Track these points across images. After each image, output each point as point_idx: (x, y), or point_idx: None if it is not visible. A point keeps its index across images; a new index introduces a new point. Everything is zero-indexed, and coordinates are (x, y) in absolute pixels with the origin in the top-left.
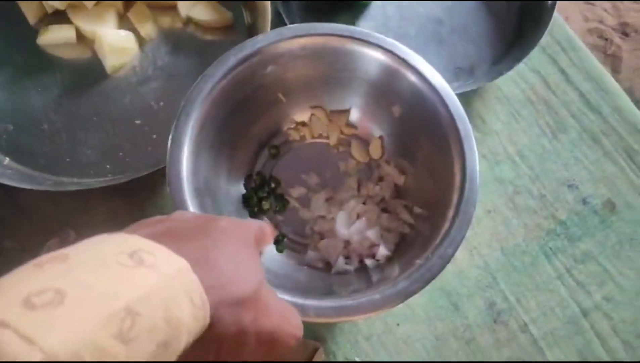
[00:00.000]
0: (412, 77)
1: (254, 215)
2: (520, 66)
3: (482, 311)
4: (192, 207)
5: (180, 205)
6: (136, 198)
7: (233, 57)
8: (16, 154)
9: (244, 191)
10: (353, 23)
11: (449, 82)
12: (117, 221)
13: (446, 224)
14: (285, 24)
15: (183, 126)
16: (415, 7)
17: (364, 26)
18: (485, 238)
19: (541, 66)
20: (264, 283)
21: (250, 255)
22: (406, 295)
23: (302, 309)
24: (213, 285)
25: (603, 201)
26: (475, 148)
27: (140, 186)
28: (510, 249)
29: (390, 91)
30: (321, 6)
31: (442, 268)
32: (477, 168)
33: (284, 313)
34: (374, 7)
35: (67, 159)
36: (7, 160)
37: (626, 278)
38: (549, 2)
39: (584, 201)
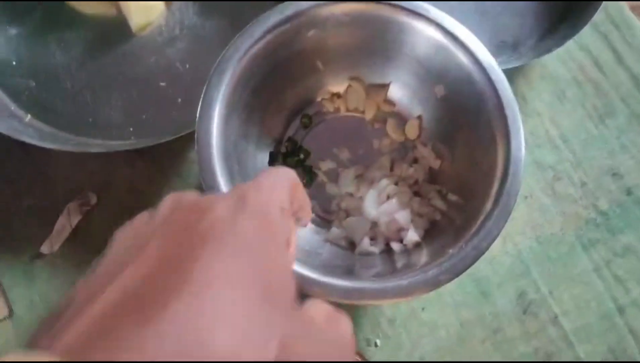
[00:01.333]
0: (463, 57)
1: None
2: (569, 43)
3: (512, 301)
4: (219, 172)
5: (207, 170)
6: (159, 164)
7: (274, 16)
8: (38, 112)
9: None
10: None
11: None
12: (137, 187)
13: (482, 215)
14: None
15: (216, 85)
16: None
17: None
18: (520, 225)
19: (591, 43)
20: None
21: (277, 292)
22: (435, 284)
23: (327, 289)
24: None
25: None
26: (522, 138)
27: (163, 151)
28: (546, 238)
29: (436, 69)
30: None
31: (475, 259)
32: (522, 159)
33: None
34: None
35: (90, 120)
36: (28, 117)
37: None
38: None
39: (629, 192)
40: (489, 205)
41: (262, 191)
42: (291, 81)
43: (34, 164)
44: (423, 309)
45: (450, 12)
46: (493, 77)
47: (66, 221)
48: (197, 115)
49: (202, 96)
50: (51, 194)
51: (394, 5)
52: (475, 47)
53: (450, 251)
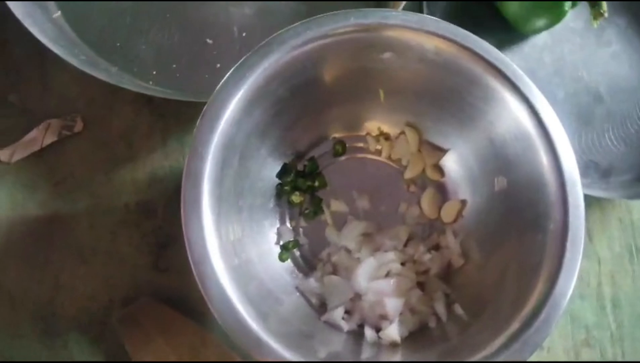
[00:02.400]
0: (543, 157)
1: (278, 202)
2: None
3: None
4: (210, 157)
5: (200, 144)
6: (163, 121)
7: (354, 18)
8: (69, 14)
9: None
10: (502, 46)
11: None
12: (131, 135)
13: (488, 350)
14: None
15: (252, 64)
16: (576, 66)
17: (511, 59)
18: None
19: None
20: None
21: None
22: None
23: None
24: None
25: None
26: (573, 284)
27: (175, 110)
28: None
29: (506, 157)
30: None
31: None
32: (562, 308)
33: None
34: (531, 44)
35: (118, 44)
36: (58, 14)
37: None
38: None
39: None
40: (500, 340)
41: None
42: (342, 98)
43: (36, 63)
44: None
45: (552, 105)
46: (570, 198)
47: (39, 136)
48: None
49: (233, 68)
50: (40, 102)
51: (496, 67)
52: (563, 152)
53: None
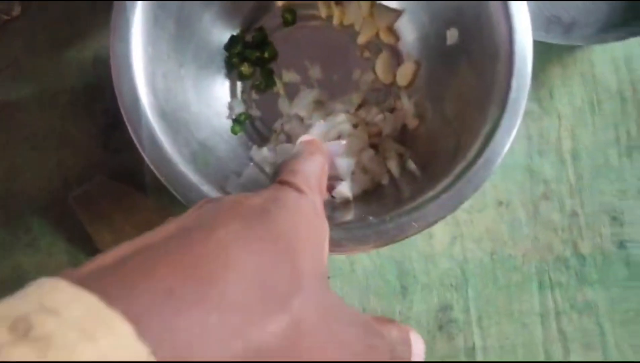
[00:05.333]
0: (494, 7)
1: (229, 75)
2: (633, 47)
3: (431, 310)
4: (137, 5)
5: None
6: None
7: None
8: None
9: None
10: None
11: (534, 29)
12: (74, 15)
13: (432, 192)
14: None
15: None
16: None
17: None
18: (479, 230)
19: None
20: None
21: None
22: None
23: None
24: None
25: None
26: (514, 131)
27: None
28: (502, 257)
29: (456, 6)
30: None
31: (392, 239)
32: (504, 152)
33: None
34: None
35: None
36: None
37: (620, 353)
38: None
39: (621, 244)
40: (446, 182)
41: (297, 184)
42: None
43: None
44: (329, 277)
45: None
46: (517, 37)
47: None
48: None
49: None
50: None
51: None
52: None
53: (371, 218)
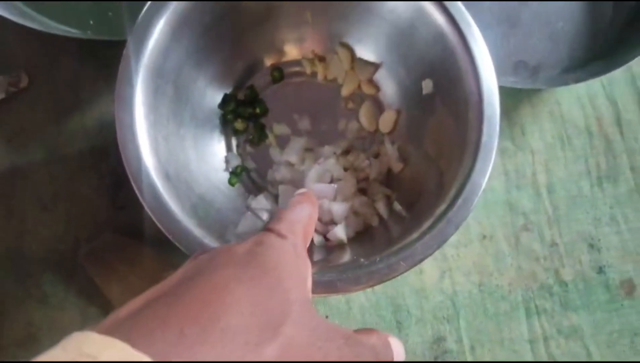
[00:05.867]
0: (461, 55)
1: (224, 131)
2: (595, 86)
3: (426, 342)
4: (139, 83)
5: (128, 70)
6: (107, 70)
7: None
8: None
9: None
10: None
11: (504, 74)
12: (77, 84)
13: (416, 233)
14: None
15: None
16: None
17: None
18: (467, 264)
19: (621, 95)
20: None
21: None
22: (326, 288)
23: None
24: None
25: (623, 279)
26: (489, 168)
27: (116, 57)
28: (489, 288)
29: (429, 60)
30: None
31: (383, 279)
32: (482, 187)
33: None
34: None
35: None
36: None
37: None
38: None
39: (600, 270)
40: (427, 224)
41: (279, 230)
42: (273, 24)
43: None
44: (327, 317)
45: (478, 12)
46: (484, 85)
47: None
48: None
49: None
50: None
51: None
52: (478, 51)
53: (362, 260)
